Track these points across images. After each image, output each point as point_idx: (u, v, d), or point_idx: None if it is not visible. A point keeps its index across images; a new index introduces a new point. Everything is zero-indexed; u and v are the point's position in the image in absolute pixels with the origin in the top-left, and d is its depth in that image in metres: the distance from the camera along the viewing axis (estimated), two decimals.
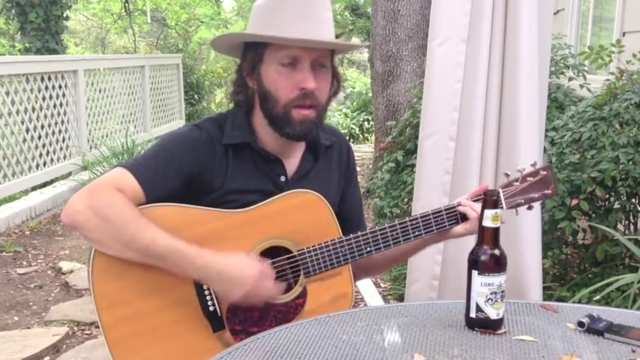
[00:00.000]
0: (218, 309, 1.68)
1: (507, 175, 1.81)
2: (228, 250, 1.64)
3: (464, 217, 1.76)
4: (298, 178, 1.80)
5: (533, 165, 1.80)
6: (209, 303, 1.67)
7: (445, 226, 1.76)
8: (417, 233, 1.75)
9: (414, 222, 1.75)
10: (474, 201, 1.77)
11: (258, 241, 1.69)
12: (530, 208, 1.81)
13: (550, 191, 1.80)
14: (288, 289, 1.72)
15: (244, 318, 1.69)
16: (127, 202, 1.60)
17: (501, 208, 1.75)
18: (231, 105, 1.82)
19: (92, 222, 1.59)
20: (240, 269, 1.61)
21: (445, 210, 1.76)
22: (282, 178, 1.78)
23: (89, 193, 1.62)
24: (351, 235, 1.73)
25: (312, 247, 1.71)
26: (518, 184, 1.78)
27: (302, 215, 1.72)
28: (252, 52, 1.71)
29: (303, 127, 1.71)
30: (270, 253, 1.71)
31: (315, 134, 1.78)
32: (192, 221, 1.67)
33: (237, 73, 1.77)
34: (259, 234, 1.70)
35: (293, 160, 1.81)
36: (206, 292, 1.67)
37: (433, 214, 1.76)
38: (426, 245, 1.87)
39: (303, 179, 1.80)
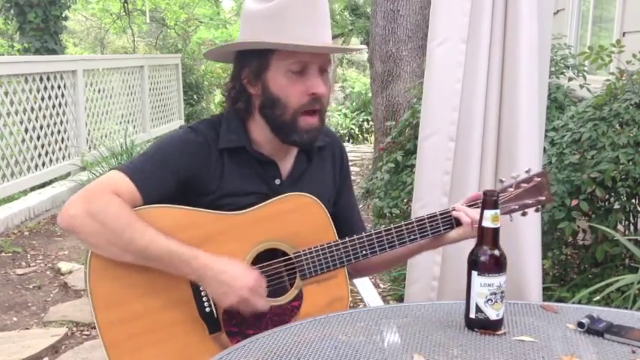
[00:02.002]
0: (214, 310, 1.67)
1: (502, 181, 1.81)
2: (224, 253, 1.64)
3: (458, 223, 1.76)
4: (293, 181, 1.80)
5: (527, 171, 1.80)
6: (205, 304, 1.67)
7: (440, 230, 1.76)
8: (412, 237, 1.75)
9: (409, 226, 1.75)
10: (469, 206, 1.77)
11: (254, 243, 1.69)
12: (524, 214, 1.82)
13: (544, 198, 1.80)
14: (285, 291, 1.72)
15: (241, 320, 1.68)
16: (123, 206, 1.60)
17: None
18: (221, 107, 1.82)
19: (89, 226, 1.59)
20: (233, 278, 1.61)
21: (440, 215, 1.77)
22: (277, 181, 1.78)
23: (85, 197, 1.62)
24: (347, 239, 1.73)
25: (309, 249, 1.71)
26: (512, 189, 1.79)
27: (298, 218, 1.72)
28: (256, 58, 1.69)
29: (310, 135, 1.73)
30: (267, 255, 1.71)
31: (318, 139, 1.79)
32: (189, 223, 1.67)
33: (234, 80, 1.76)
34: (256, 236, 1.69)
35: (287, 162, 1.81)
36: (202, 294, 1.67)
37: (428, 218, 1.76)
38: (423, 250, 1.87)
39: (297, 181, 1.80)
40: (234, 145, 1.74)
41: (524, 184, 1.79)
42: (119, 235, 1.58)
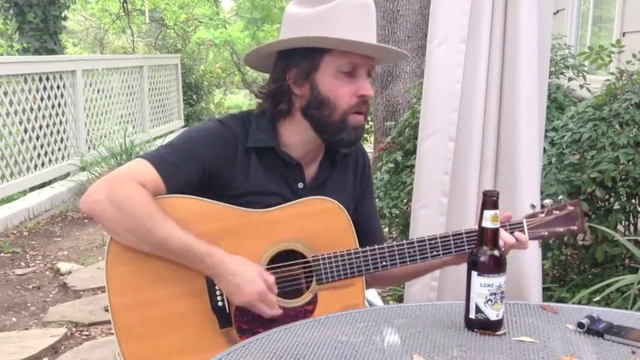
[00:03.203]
0: (227, 305, 1.67)
1: (533, 206, 1.80)
2: (243, 248, 1.65)
3: None
4: (315, 186, 1.80)
5: (560, 199, 1.80)
6: (218, 299, 1.67)
7: (464, 249, 1.74)
8: (434, 254, 1.74)
9: (432, 242, 1.73)
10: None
11: (273, 242, 1.69)
12: (554, 241, 1.81)
13: (576, 227, 1.79)
14: (300, 294, 1.72)
15: (252, 318, 1.68)
16: (145, 196, 1.60)
17: None
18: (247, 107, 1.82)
19: (110, 213, 1.60)
20: (244, 282, 1.61)
21: (465, 233, 1.74)
22: (300, 185, 1.78)
23: (109, 184, 1.63)
24: (368, 248, 1.72)
25: (328, 254, 1.70)
26: (543, 215, 1.77)
27: (320, 222, 1.72)
28: (305, 58, 1.69)
29: (357, 133, 1.75)
30: (285, 256, 1.70)
31: None
32: (211, 215, 1.67)
33: (278, 81, 1.74)
34: (275, 236, 1.69)
35: (312, 166, 1.82)
36: (216, 288, 1.67)
37: (453, 236, 1.74)
38: (445, 265, 1.85)
39: (319, 187, 1.81)
40: (263, 144, 1.74)
41: (556, 212, 1.78)
42: (139, 225, 1.59)
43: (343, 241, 1.73)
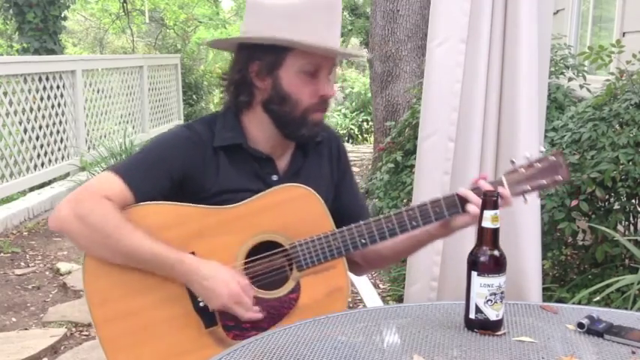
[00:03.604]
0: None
1: (513, 162, 1.75)
2: (218, 247, 1.65)
3: (463, 206, 1.70)
4: (290, 176, 1.79)
5: (541, 151, 1.74)
6: (199, 299, 1.66)
7: (445, 215, 1.71)
8: (414, 224, 1.70)
9: (410, 212, 1.71)
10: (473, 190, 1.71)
11: (249, 236, 1.68)
12: (539, 195, 1.76)
13: (561, 177, 1.73)
14: (281, 283, 1.71)
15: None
16: (110, 208, 1.61)
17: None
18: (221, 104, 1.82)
19: (77, 229, 1.62)
20: (219, 283, 1.61)
21: (444, 198, 1.71)
22: (274, 177, 1.77)
23: (75, 200, 1.64)
24: (345, 228, 1.70)
25: (305, 240, 1.69)
26: (524, 170, 1.73)
27: (293, 209, 1.71)
28: (270, 54, 1.68)
29: (317, 129, 1.75)
30: (263, 248, 1.70)
31: None
32: (181, 219, 1.67)
33: (239, 72, 1.74)
34: (250, 229, 1.69)
35: (284, 158, 1.81)
36: None
37: (431, 203, 1.71)
38: (434, 239, 1.82)
39: (294, 177, 1.80)
40: (230, 142, 1.73)
41: (537, 164, 1.72)
42: (106, 238, 1.60)
43: (319, 225, 1.71)
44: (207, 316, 1.67)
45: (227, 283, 1.61)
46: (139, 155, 1.73)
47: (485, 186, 1.68)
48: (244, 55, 1.73)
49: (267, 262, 1.69)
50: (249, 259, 1.69)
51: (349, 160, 1.98)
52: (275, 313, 1.69)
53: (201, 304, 1.66)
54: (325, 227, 1.72)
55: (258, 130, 1.76)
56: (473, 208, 1.66)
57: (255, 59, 1.71)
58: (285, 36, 1.65)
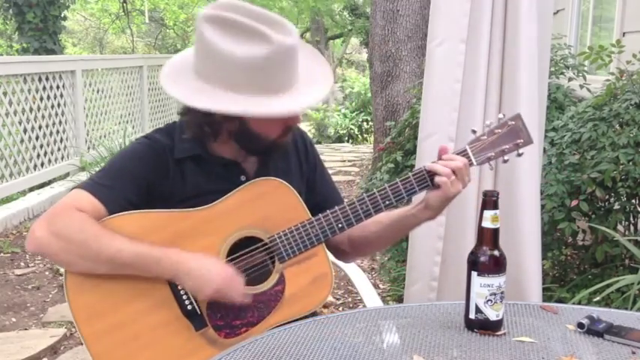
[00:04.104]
0: (197, 307, 1.67)
1: (474, 131, 1.76)
2: (197, 249, 1.64)
3: (435, 184, 1.68)
4: (259, 175, 1.78)
5: (500, 118, 1.75)
6: (186, 302, 1.66)
7: (415, 190, 1.70)
8: (387, 203, 1.71)
9: (382, 192, 1.71)
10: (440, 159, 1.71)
11: (227, 234, 1.68)
12: (505, 161, 1.76)
13: (522, 140, 1.75)
14: (266, 277, 1.71)
15: (225, 312, 1.68)
16: (85, 219, 1.60)
17: (472, 165, 1.72)
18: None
19: (56, 245, 1.60)
20: (207, 269, 1.61)
21: (413, 175, 1.71)
22: (243, 178, 1.77)
23: (48, 218, 1.63)
24: (320, 215, 1.71)
25: (283, 232, 1.70)
26: (486, 137, 1.74)
27: (267, 202, 1.71)
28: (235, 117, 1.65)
29: (282, 145, 1.76)
30: (242, 244, 1.70)
31: None
32: (158, 225, 1.66)
33: (206, 116, 1.64)
34: (227, 227, 1.69)
35: (250, 158, 1.80)
36: (182, 292, 1.66)
37: (401, 180, 1.71)
38: (420, 221, 1.78)
39: (264, 174, 1.78)
40: (189, 154, 1.73)
41: (498, 130, 1.74)
42: (86, 248, 1.59)
43: (295, 216, 1.71)
44: (196, 318, 1.67)
45: (215, 269, 1.61)
46: (102, 171, 1.73)
47: (449, 155, 1.70)
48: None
49: (249, 257, 1.70)
50: (231, 257, 1.69)
51: (318, 152, 1.98)
52: (263, 307, 1.69)
53: (188, 307, 1.66)
54: (301, 216, 1.72)
55: (220, 144, 1.75)
56: (442, 180, 1.66)
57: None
58: (240, 101, 1.58)
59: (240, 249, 1.69)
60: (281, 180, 1.73)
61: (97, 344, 1.63)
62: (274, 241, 1.70)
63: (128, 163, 1.71)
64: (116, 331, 1.63)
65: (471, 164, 1.72)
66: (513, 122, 1.75)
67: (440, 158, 1.71)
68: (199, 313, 1.67)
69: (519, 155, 1.78)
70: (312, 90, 1.68)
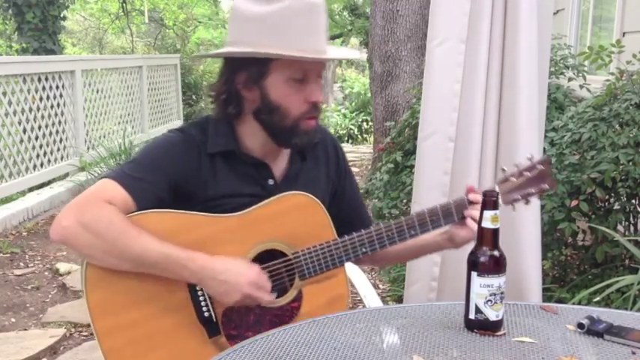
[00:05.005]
0: (213, 314, 1.66)
1: (504, 170, 1.78)
2: (222, 255, 1.62)
3: (461, 216, 1.72)
4: (287, 181, 1.78)
5: (530, 158, 1.76)
6: (204, 309, 1.65)
7: (441, 224, 1.73)
8: (412, 233, 1.72)
9: (409, 221, 1.72)
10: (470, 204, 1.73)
11: (252, 244, 1.68)
12: (527, 202, 1.78)
13: (547, 185, 1.75)
14: (284, 292, 1.71)
15: (240, 323, 1.67)
16: (115, 214, 1.58)
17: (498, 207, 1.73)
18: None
19: (82, 238, 1.57)
20: (235, 274, 1.59)
21: (440, 207, 1.73)
22: (271, 182, 1.76)
23: (77, 208, 1.60)
24: (346, 237, 1.71)
25: (307, 249, 1.69)
26: (515, 179, 1.75)
27: (296, 217, 1.71)
28: (254, 64, 1.65)
29: (310, 137, 1.73)
30: (265, 256, 1.69)
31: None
32: (185, 227, 1.65)
33: (226, 83, 1.71)
34: (253, 237, 1.68)
35: (280, 162, 1.79)
36: (201, 298, 1.65)
37: (428, 212, 1.73)
38: (441, 249, 1.85)
39: (291, 181, 1.79)
40: (222, 149, 1.71)
41: (527, 173, 1.74)
42: (113, 244, 1.56)
43: (322, 234, 1.71)
44: (211, 325, 1.66)
45: (244, 271, 1.60)
46: (133, 162, 1.70)
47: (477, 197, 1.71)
48: (230, 67, 1.71)
49: (271, 270, 1.69)
50: None
51: (348, 160, 1.98)
52: (278, 322, 1.69)
53: (205, 314, 1.65)
54: (327, 236, 1.72)
55: (251, 137, 1.74)
56: (471, 223, 1.69)
57: (241, 70, 1.68)
58: (266, 46, 1.61)
59: (263, 261, 1.68)
60: (314, 197, 1.72)
61: (109, 340, 1.62)
62: (298, 257, 1.69)
63: (161, 157, 1.68)
64: (129, 328, 1.62)
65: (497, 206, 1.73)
66: (542, 166, 1.75)
67: (468, 195, 1.73)
68: (215, 320, 1.66)
69: (527, 204, 1.79)
70: (335, 50, 1.71)
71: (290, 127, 1.69)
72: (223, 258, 1.61)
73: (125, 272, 1.60)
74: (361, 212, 1.96)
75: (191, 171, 1.68)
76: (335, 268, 1.71)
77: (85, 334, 3.72)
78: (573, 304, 2.72)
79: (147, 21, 16.48)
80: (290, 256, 1.70)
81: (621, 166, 2.98)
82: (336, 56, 1.76)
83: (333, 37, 18.29)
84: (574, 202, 3.06)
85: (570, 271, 3.42)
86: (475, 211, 1.68)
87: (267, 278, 1.64)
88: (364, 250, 1.71)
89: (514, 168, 1.76)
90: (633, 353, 1.42)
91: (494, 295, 1.48)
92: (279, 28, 1.62)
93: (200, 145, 1.70)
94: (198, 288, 1.65)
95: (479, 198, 1.67)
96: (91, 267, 1.61)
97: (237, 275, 1.60)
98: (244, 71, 1.67)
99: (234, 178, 1.72)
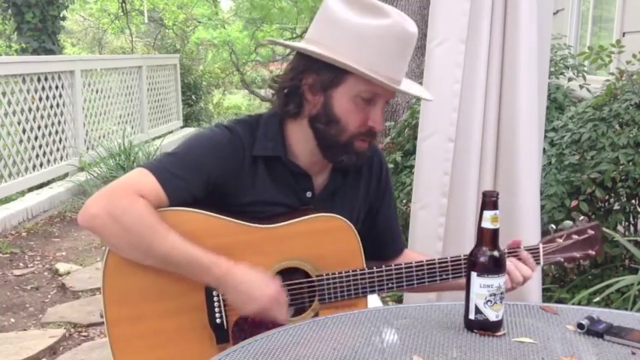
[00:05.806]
0: (225, 322, 1.65)
1: (553, 228, 1.76)
2: (247, 264, 1.60)
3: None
4: (324, 196, 1.76)
5: (581, 220, 1.76)
6: (217, 315, 1.64)
7: None
8: (443, 277, 1.70)
9: (442, 264, 1.70)
10: (510, 253, 1.71)
11: (277, 259, 1.65)
12: (567, 264, 1.76)
13: (594, 252, 1.73)
14: (301, 311, 1.69)
15: (250, 334, 1.63)
16: (146, 208, 1.54)
17: (538, 264, 1.73)
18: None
19: (110, 228, 1.54)
20: (257, 286, 1.58)
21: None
22: (309, 194, 1.73)
23: (108, 196, 1.56)
24: (375, 269, 1.68)
25: (332, 274, 1.67)
26: (561, 240, 1.73)
27: (328, 240, 1.68)
28: (329, 72, 1.61)
29: (360, 158, 1.70)
30: (288, 273, 1.67)
31: None
32: (215, 230, 1.62)
33: (293, 80, 1.66)
34: (280, 253, 1.65)
35: (321, 176, 1.76)
36: (215, 304, 1.64)
37: (465, 258, 1.69)
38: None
39: (329, 197, 1.76)
40: (270, 154, 1.68)
41: (575, 236, 1.73)
42: (140, 239, 1.54)
43: (350, 261, 1.68)
44: (221, 332, 1.64)
45: (264, 285, 1.58)
46: (174, 156, 1.65)
47: (523, 252, 1.71)
48: (302, 65, 1.65)
49: (292, 289, 1.66)
50: None
51: (391, 181, 1.93)
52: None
53: (217, 320, 1.64)
54: (355, 264, 1.69)
55: (300, 143, 1.70)
56: (518, 277, 1.68)
57: (313, 72, 1.63)
58: (347, 57, 1.57)
59: (287, 276, 1.66)
60: (349, 224, 1.68)
61: (118, 328, 1.61)
62: (321, 280, 1.67)
63: (204, 155, 1.64)
64: (140, 321, 1.61)
65: (537, 263, 1.73)
66: (593, 232, 1.73)
67: (511, 248, 1.71)
68: (226, 327, 1.65)
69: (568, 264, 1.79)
70: (409, 84, 1.68)
71: (343, 143, 1.66)
72: (247, 268, 1.59)
73: (146, 266, 1.58)
74: (393, 233, 1.92)
75: (231, 173, 1.65)
76: (357, 298, 1.69)
77: (84, 334, 3.72)
78: (573, 304, 2.72)
79: (146, 21, 16.48)
80: (314, 278, 1.67)
81: (621, 167, 2.98)
82: (409, 91, 1.70)
83: None
84: (574, 203, 3.06)
85: (570, 272, 3.42)
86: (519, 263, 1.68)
87: (286, 296, 1.63)
88: (390, 285, 1.69)
89: (563, 229, 1.75)
90: (633, 353, 1.41)
91: (494, 295, 1.48)
92: (370, 44, 1.58)
93: (246, 147, 1.67)
94: (214, 293, 1.63)
95: (524, 256, 1.69)
96: (112, 255, 1.59)
97: (258, 288, 1.58)
98: (315, 74, 1.63)
99: (272, 185, 1.69)
